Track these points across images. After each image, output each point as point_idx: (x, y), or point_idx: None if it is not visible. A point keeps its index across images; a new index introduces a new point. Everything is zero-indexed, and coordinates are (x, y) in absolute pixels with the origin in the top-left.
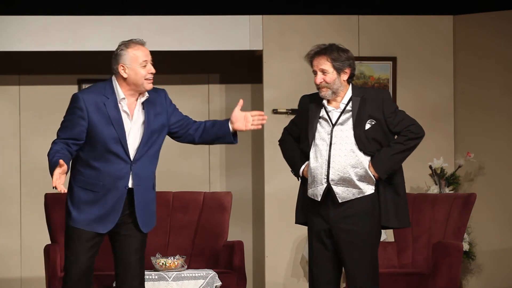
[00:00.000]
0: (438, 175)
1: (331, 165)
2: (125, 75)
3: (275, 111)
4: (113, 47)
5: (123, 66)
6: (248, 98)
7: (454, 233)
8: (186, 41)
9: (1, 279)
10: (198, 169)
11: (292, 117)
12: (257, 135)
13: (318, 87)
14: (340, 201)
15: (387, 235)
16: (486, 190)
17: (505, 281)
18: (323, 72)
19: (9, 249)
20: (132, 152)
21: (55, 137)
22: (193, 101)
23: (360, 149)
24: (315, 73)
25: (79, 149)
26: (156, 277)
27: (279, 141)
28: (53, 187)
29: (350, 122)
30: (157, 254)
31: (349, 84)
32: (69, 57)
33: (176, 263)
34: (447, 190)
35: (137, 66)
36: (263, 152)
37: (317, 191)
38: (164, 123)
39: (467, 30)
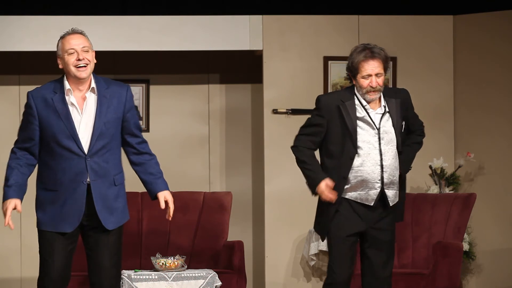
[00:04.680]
0: (438, 175)
1: (384, 169)
2: (60, 66)
3: (275, 111)
4: (113, 47)
5: (58, 58)
6: (248, 98)
7: (454, 233)
8: (186, 41)
9: (1, 279)
10: (198, 169)
11: (293, 117)
12: (257, 135)
13: (370, 90)
14: (390, 204)
15: None
16: (486, 190)
17: (505, 281)
18: (378, 75)
19: (9, 249)
20: (85, 146)
21: None
22: (193, 101)
23: (398, 150)
24: (367, 76)
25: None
26: (156, 277)
27: (295, 146)
28: (5, 225)
29: (390, 124)
30: (157, 254)
31: None
32: None
33: (176, 263)
34: (447, 190)
35: (65, 54)
36: (263, 152)
37: (368, 195)
38: (119, 116)
39: (467, 30)
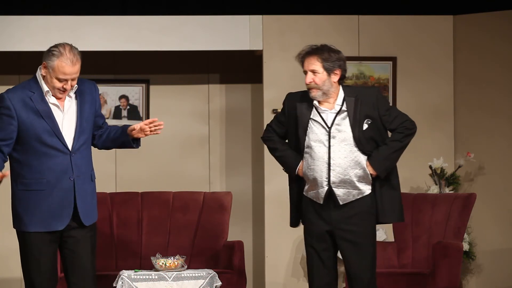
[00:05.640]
0: (438, 175)
1: (331, 168)
2: (43, 74)
3: (275, 111)
4: (113, 47)
5: (45, 67)
6: (248, 98)
7: (454, 233)
8: (186, 41)
9: (1, 279)
10: (198, 169)
11: None
12: (257, 135)
13: (308, 87)
14: (341, 203)
15: (387, 235)
16: (486, 190)
17: (505, 281)
18: (314, 72)
19: (9, 249)
20: (69, 142)
21: None
22: (193, 101)
23: (359, 149)
24: (305, 73)
25: (13, 151)
26: (156, 277)
27: (263, 138)
28: None
29: (347, 123)
30: (157, 254)
31: (340, 85)
32: None
33: (176, 263)
34: (447, 190)
35: (54, 76)
36: (263, 152)
37: (318, 194)
38: (93, 112)
39: (467, 30)
